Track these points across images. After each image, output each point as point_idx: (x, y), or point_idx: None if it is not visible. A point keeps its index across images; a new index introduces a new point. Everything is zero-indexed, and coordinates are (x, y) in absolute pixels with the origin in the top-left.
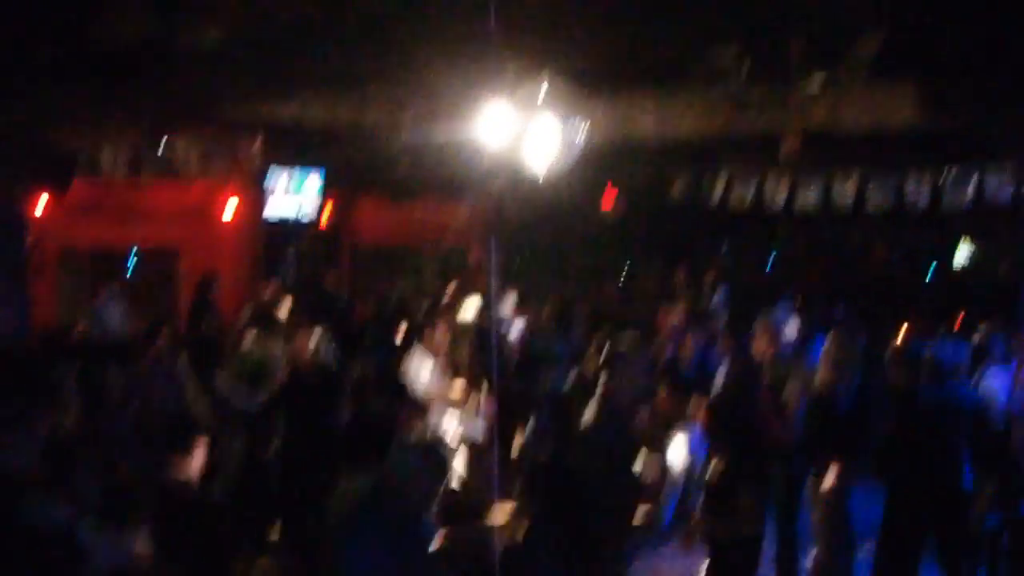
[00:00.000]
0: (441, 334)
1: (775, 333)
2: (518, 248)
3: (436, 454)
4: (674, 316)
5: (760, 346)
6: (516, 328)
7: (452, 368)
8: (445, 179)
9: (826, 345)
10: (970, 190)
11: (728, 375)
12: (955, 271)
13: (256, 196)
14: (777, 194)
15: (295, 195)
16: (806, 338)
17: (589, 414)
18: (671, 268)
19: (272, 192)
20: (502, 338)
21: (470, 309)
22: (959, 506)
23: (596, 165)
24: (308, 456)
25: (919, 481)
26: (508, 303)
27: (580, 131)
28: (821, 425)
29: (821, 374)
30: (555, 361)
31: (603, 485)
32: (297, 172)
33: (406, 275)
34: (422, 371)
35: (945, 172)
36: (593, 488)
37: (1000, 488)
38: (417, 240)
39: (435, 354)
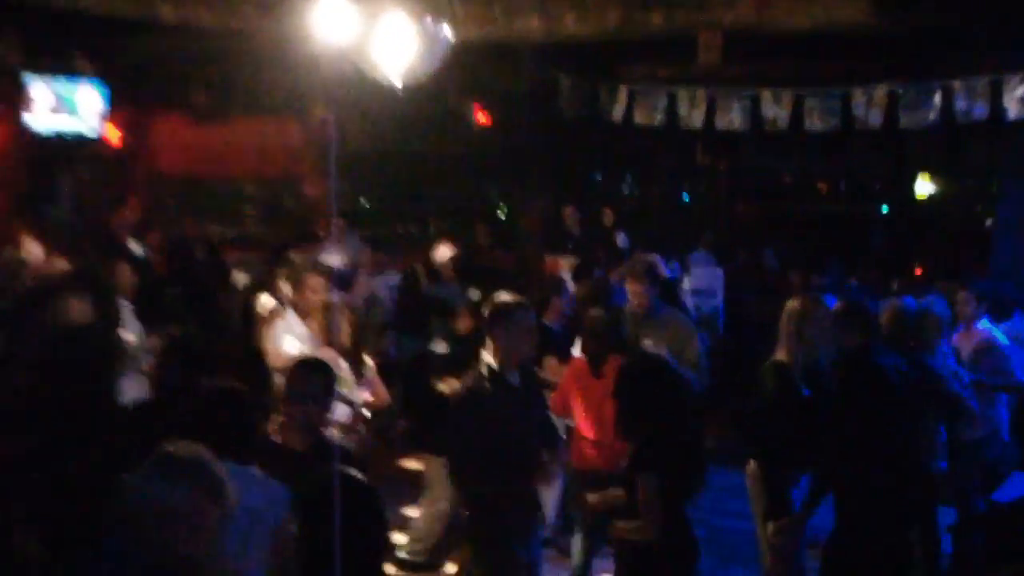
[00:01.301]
0: (313, 291)
1: (653, 273)
2: (366, 180)
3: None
4: (562, 266)
5: (635, 285)
6: (383, 283)
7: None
8: (270, 92)
9: (790, 307)
10: (933, 108)
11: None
12: (913, 209)
13: (14, 107)
14: (693, 111)
15: (68, 108)
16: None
17: (470, 384)
18: (560, 205)
19: (35, 103)
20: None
21: (329, 256)
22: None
23: (464, 73)
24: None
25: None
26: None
27: (443, 28)
28: (778, 410)
29: (783, 349)
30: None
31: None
32: (66, 80)
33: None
34: (285, 340)
35: (902, 86)
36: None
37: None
38: (234, 170)
39: (304, 317)
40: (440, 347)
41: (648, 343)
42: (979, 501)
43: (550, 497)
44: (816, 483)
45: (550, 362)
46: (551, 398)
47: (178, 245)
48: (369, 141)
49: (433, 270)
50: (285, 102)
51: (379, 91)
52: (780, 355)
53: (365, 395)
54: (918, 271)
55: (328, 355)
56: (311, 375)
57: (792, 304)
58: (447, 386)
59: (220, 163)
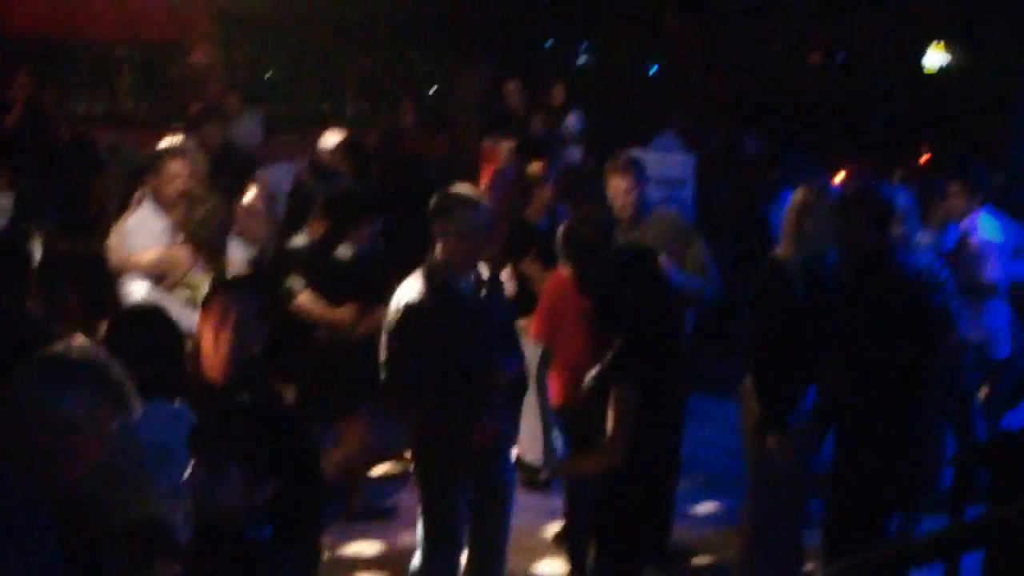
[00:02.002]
0: (172, 177)
1: (638, 167)
2: (268, 47)
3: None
4: (504, 151)
5: (619, 182)
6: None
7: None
8: None
9: (794, 199)
10: None
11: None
12: (922, 85)
13: None
14: None
15: None
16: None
17: (412, 293)
18: (501, 79)
19: None
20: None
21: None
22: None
23: None
24: None
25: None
26: (254, 131)
27: None
28: (772, 327)
29: (782, 245)
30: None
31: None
32: None
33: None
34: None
35: None
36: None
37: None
38: (104, 30)
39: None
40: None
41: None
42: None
43: (530, 430)
44: (821, 401)
45: (531, 266)
46: (532, 321)
47: (34, 123)
48: (268, 2)
49: (318, 163)
50: None
51: None
52: (779, 251)
53: None
54: (925, 158)
55: (179, 254)
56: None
57: (795, 195)
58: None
59: (86, 21)
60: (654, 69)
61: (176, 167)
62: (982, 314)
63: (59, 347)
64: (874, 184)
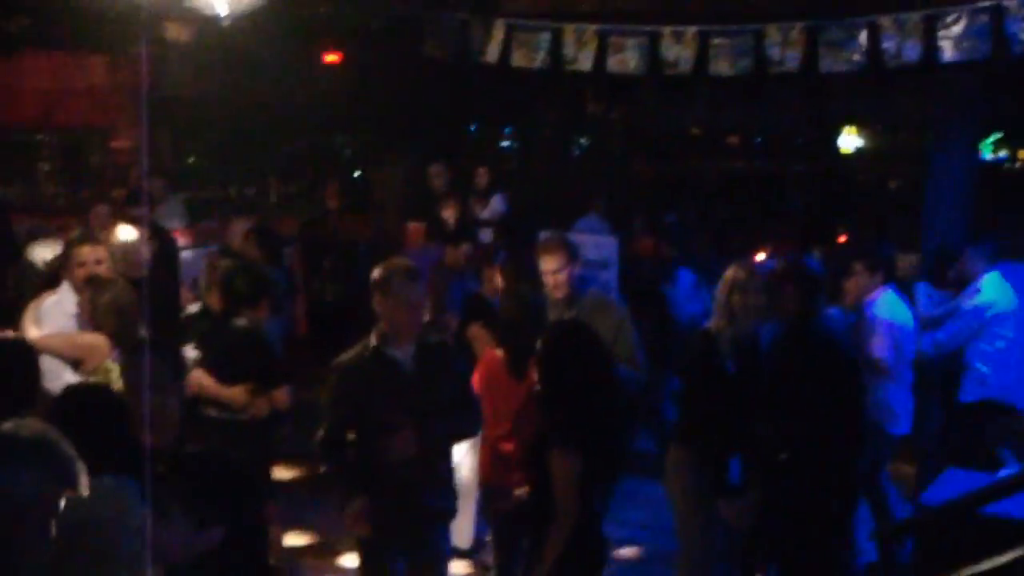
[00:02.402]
0: (80, 264)
1: (569, 247)
2: (191, 129)
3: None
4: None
5: (550, 262)
6: (192, 256)
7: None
8: (69, 21)
9: (728, 274)
10: (858, 49)
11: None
12: (837, 167)
13: None
14: (581, 52)
15: None
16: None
17: (348, 359)
18: (426, 162)
19: None
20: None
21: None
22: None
23: (307, 1)
24: None
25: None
26: (177, 215)
27: None
28: (699, 391)
29: (713, 319)
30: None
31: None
32: None
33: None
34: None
35: (822, 22)
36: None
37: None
38: (25, 115)
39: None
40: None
41: None
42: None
43: (467, 505)
44: (750, 467)
45: (478, 331)
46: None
47: None
48: (192, 84)
49: (227, 249)
50: (90, 35)
51: (203, 23)
52: (710, 325)
53: None
54: (842, 237)
55: (99, 341)
56: None
57: (728, 272)
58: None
59: (6, 108)
60: (577, 152)
61: (84, 253)
62: (876, 390)
63: (8, 426)
64: (803, 260)
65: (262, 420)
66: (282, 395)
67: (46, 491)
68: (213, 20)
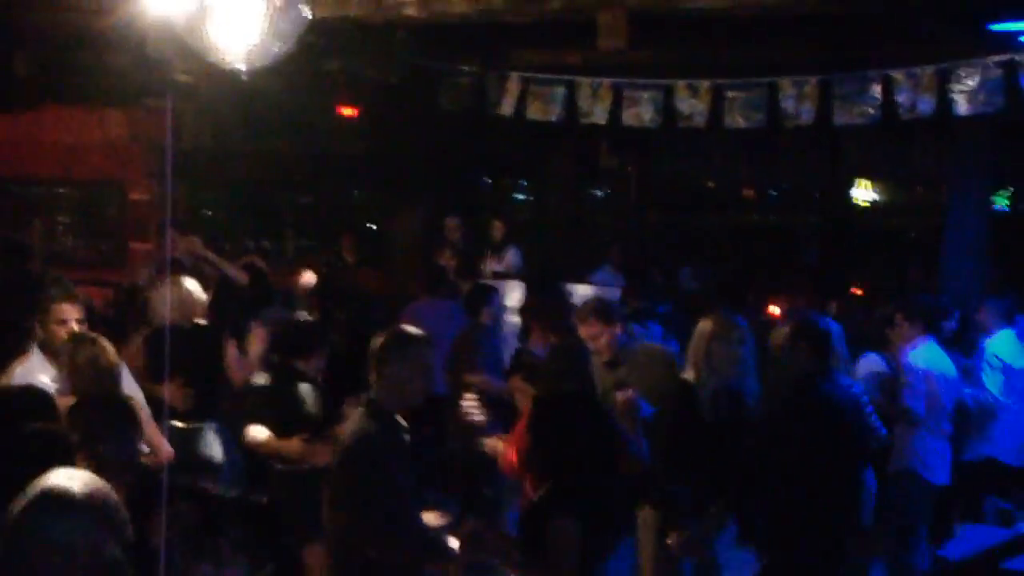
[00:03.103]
0: (60, 322)
1: (603, 311)
2: (208, 185)
3: None
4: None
5: (585, 330)
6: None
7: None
8: (89, 76)
9: (702, 327)
10: (872, 102)
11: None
12: (851, 220)
13: None
14: (596, 105)
15: None
16: (641, 313)
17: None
18: (441, 215)
19: None
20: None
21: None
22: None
23: (324, 58)
24: None
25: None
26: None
27: (296, 3)
28: (676, 443)
29: (688, 370)
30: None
31: None
32: None
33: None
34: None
35: (836, 76)
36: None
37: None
38: (44, 169)
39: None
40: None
41: (619, 395)
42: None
43: None
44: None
45: (518, 383)
46: (502, 457)
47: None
48: (210, 138)
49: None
50: (108, 89)
51: (220, 77)
52: (686, 375)
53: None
54: (857, 290)
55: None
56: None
57: (704, 324)
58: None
59: (26, 161)
60: (590, 202)
61: (64, 310)
62: (910, 441)
63: (60, 477)
64: (814, 315)
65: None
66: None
67: (100, 544)
68: (231, 73)
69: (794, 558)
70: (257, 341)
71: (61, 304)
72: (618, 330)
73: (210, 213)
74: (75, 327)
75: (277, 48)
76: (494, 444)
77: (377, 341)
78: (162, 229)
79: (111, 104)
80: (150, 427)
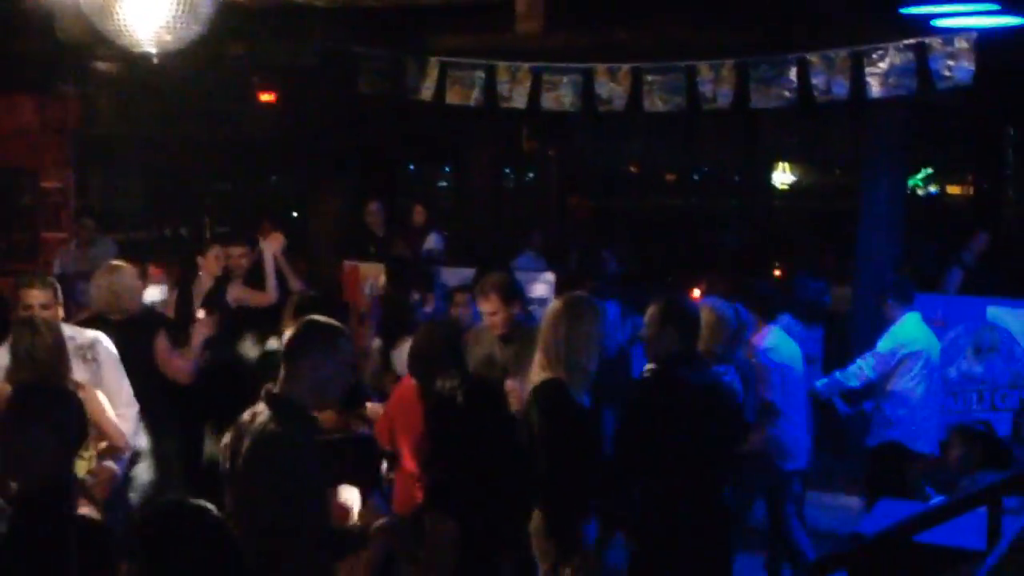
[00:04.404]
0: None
1: (504, 289)
2: (123, 169)
3: None
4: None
5: (485, 304)
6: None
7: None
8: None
9: (552, 308)
10: (789, 85)
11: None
12: (770, 200)
13: None
14: (515, 89)
15: None
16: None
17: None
18: (362, 199)
19: None
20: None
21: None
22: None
23: (240, 42)
24: None
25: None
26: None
27: None
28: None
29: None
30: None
31: None
32: None
33: None
34: None
35: (753, 59)
36: None
37: None
38: None
39: None
40: None
41: (511, 381)
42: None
43: None
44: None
45: None
46: (376, 425)
47: None
48: (124, 124)
49: None
50: (17, 75)
51: (133, 62)
52: (548, 371)
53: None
54: (778, 272)
55: None
56: None
57: (555, 305)
58: None
59: None
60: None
61: (33, 295)
62: (768, 429)
63: None
64: (683, 298)
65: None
66: (374, 409)
67: None
68: (143, 58)
69: (658, 544)
70: (202, 328)
71: (27, 290)
72: (516, 309)
73: (125, 201)
74: (40, 313)
75: (188, 32)
76: (375, 410)
77: (291, 332)
78: (75, 218)
79: (21, 90)
80: (104, 415)
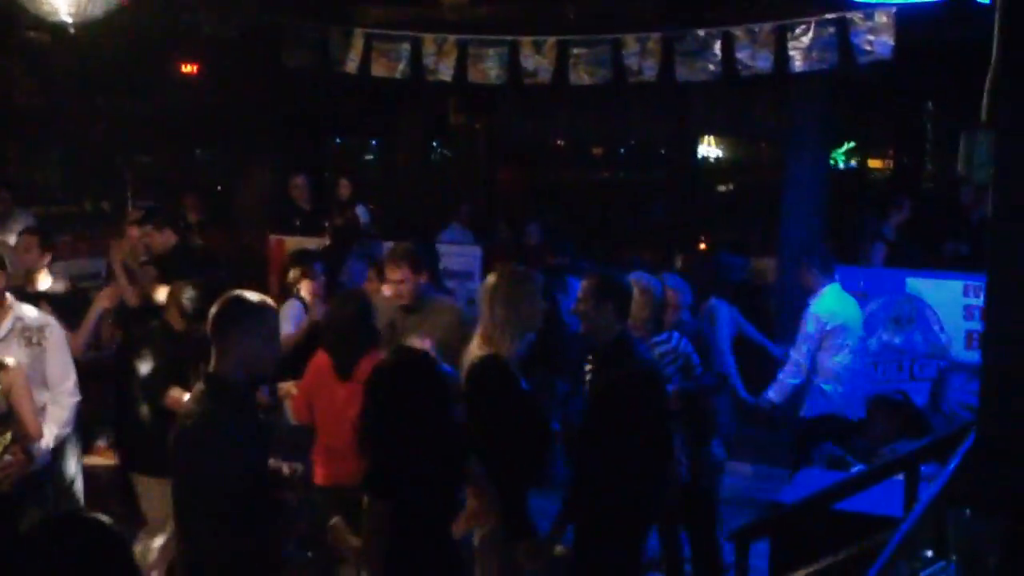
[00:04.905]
0: None
1: (414, 258)
2: (43, 142)
3: None
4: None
5: (394, 273)
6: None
7: None
8: None
9: (489, 282)
10: (713, 59)
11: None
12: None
13: None
14: (442, 62)
15: None
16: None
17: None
18: (287, 173)
19: None
20: None
21: None
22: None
23: (160, 12)
24: None
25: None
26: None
27: None
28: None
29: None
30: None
31: None
32: None
33: None
34: None
35: (678, 32)
36: None
37: None
38: None
39: None
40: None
41: (415, 339)
42: None
43: None
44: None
45: None
46: (291, 401)
47: None
48: (41, 95)
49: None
50: None
51: (48, 31)
52: (486, 346)
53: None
54: (703, 245)
55: None
56: None
57: (490, 279)
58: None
59: None
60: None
61: None
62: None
63: None
64: (617, 275)
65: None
66: (286, 387)
67: None
68: (58, 28)
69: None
70: (100, 300)
71: None
72: (423, 279)
73: (43, 175)
74: None
75: (107, 1)
76: (288, 388)
77: (216, 309)
78: None
79: None
80: (23, 401)
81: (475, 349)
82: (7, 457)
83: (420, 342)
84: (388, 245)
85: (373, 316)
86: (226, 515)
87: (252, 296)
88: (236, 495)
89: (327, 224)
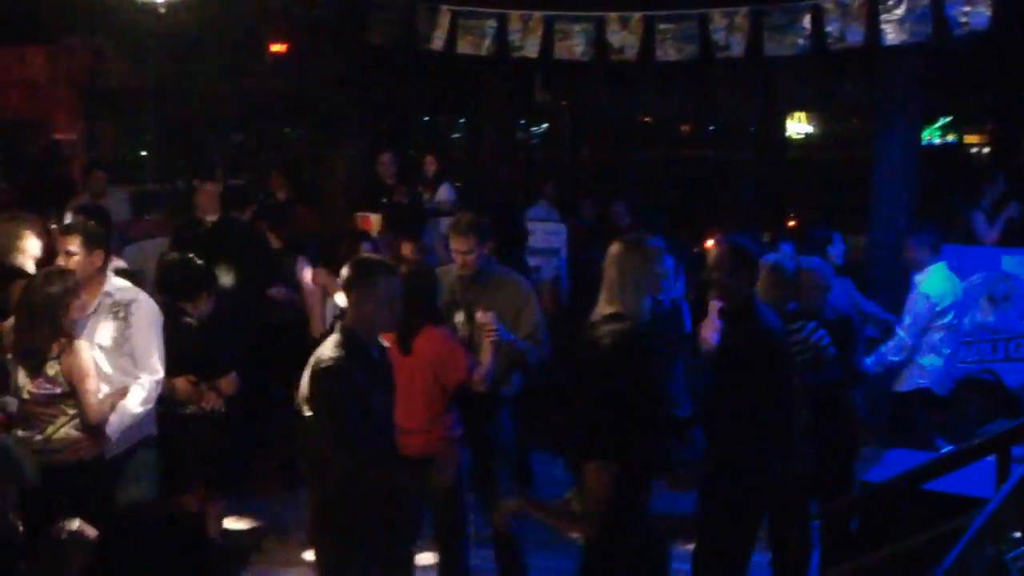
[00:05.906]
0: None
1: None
2: (136, 122)
3: None
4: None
5: (461, 243)
6: (135, 250)
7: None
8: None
9: (613, 251)
10: (802, 32)
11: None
12: (785, 150)
13: None
14: (527, 39)
15: None
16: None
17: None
18: (374, 150)
19: None
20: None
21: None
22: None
23: None
24: None
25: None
26: (120, 208)
27: None
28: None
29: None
30: None
31: None
32: None
33: None
34: None
35: (766, 5)
36: None
37: None
38: None
39: None
40: None
41: (480, 313)
42: None
43: None
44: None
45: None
46: None
47: None
48: (136, 76)
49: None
50: (25, 27)
51: (143, 13)
52: (613, 304)
53: None
54: (792, 222)
55: None
56: None
57: (614, 246)
58: None
59: None
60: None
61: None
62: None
63: None
64: (749, 242)
65: (219, 412)
66: (227, 383)
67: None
68: (151, 9)
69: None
70: None
71: (65, 236)
72: (487, 250)
73: (138, 153)
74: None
75: None
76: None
77: (343, 272)
78: (86, 170)
79: (31, 42)
80: (84, 380)
81: (603, 307)
82: (73, 433)
83: (483, 315)
84: None
85: (436, 293)
86: (354, 450)
87: (372, 262)
88: (361, 431)
89: (384, 200)
